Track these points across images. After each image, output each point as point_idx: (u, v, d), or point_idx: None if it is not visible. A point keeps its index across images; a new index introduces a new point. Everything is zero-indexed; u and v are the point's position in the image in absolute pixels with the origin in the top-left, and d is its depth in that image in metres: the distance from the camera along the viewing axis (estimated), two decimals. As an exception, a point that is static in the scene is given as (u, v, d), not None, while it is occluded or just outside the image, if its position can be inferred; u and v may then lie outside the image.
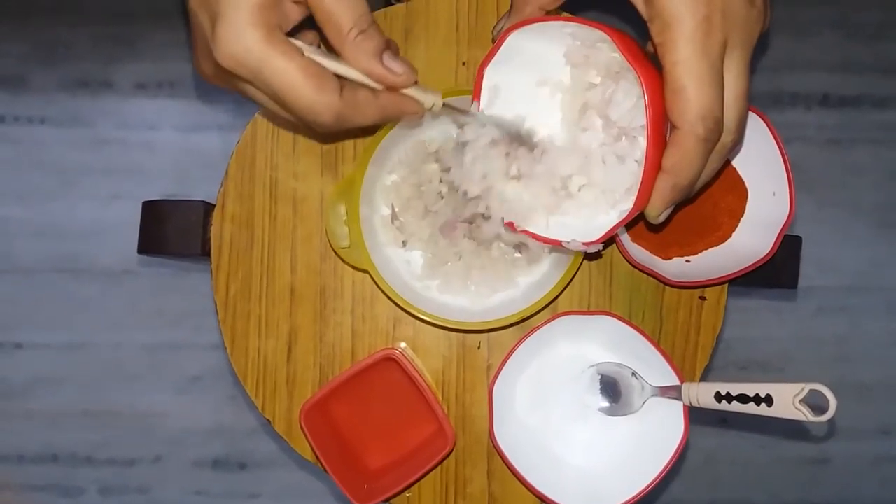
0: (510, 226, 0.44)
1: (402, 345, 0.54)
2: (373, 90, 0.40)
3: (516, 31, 0.41)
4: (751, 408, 0.44)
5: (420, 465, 0.50)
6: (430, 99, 0.42)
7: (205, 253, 0.54)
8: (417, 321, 0.52)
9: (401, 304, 0.48)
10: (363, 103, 0.40)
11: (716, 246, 0.52)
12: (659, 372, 0.49)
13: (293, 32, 0.40)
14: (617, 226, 0.41)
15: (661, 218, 0.41)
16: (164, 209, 0.54)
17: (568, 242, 0.43)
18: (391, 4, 0.54)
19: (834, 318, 1.06)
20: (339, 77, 0.39)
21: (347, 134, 0.54)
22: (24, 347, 1.05)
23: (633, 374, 0.50)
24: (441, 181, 0.51)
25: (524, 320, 0.49)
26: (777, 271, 0.53)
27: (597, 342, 0.52)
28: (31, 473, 1.04)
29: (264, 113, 0.54)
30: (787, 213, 0.48)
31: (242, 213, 0.54)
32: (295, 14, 0.38)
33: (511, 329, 0.52)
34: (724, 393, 0.45)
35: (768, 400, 0.43)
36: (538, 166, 0.44)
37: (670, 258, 0.52)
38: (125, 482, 1.04)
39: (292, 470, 1.04)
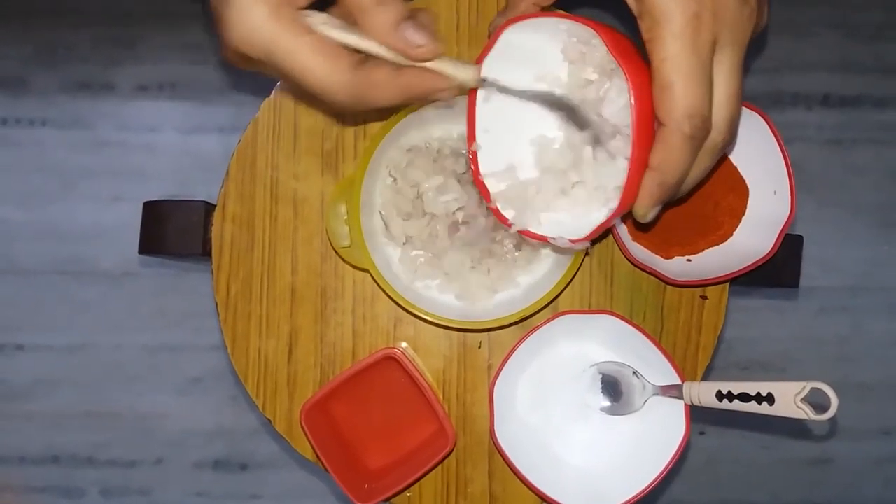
0: (503, 221, 0.45)
1: (403, 344, 0.54)
2: (396, 67, 0.38)
3: (511, 27, 0.41)
4: (752, 406, 0.44)
5: (421, 465, 0.50)
6: (463, 74, 0.39)
7: (205, 253, 0.54)
8: (418, 321, 0.52)
9: (401, 303, 0.48)
10: (382, 82, 0.37)
11: (717, 245, 0.52)
12: (660, 371, 0.49)
13: (320, 7, 0.38)
14: (603, 224, 0.41)
15: (650, 216, 0.40)
16: (164, 209, 0.54)
17: (555, 239, 0.43)
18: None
19: (835, 318, 1.05)
20: (361, 53, 0.37)
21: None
22: (25, 349, 1.05)
23: (635, 373, 0.50)
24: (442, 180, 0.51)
25: (525, 319, 0.49)
26: (778, 270, 0.53)
27: (598, 341, 0.52)
28: (32, 475, 1.04)
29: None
30: (789, 211, 0.48)
31: (243, 213, 0.54)
32: None
33: (512, 328, 0.52)
34: (725, 392, 0.45)
35: (770, 399, 0.43)
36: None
37: (671, 257, 0.52)
38: (126, 483, 1.04)
39: (293, 470, 1.04)
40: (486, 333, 0.54)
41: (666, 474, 0.49)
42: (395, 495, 0.51)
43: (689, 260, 0.52)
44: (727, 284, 0.53)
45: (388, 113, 0.50)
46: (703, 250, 0.52)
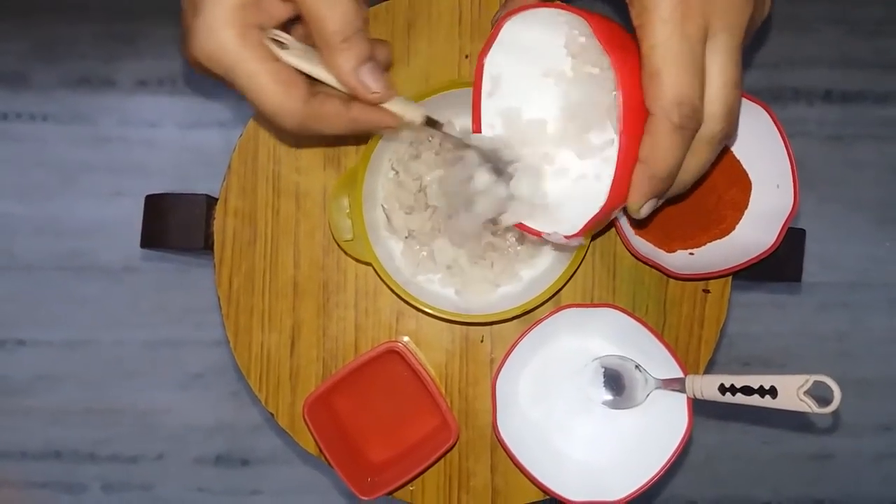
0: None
1: (406, 338, 0.54)
2: (346, 99, 0.40)
3: (513, 18, 0.41)
4: (755, 400, 0.44)
5: (423, 459, 0.50)
6: (410, 114, 0.41)
7: (207, 247, 0.54)
8: (420, 314, 0.52)
9: (404, 296, 0.48)
10: (331, 114, 0.40)
11: (719, 239, 0.52)
12: (662, 364, 0.49)
13: (292, 24, 0.40)
14: (595, 218, 0.39)
15: (644, 212, 0.39)
16: (166, 203, 0.54)
17: (549, 234, 0.42)
18: (394, -2, 0.54)
19: (836, 314, 1.06)
20: (316, 81, 0.39)
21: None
22: (26, 344, 1.05)
23: (637, 366, 0.50)
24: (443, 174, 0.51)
25: (527, 313, 0.49)
26: (781, 264, 0.53)
27: (600, 335, 0.52)
28: (34, 470, 1.04)
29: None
30: (791, 205, 0.48)
31: (245, 207, 0.54)
32: (281, 11, 0.38)
33: (514, 322, 0.52)
34: (728, 385, 0.45)
35: (773, 392, 0.43)
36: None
37: (674, 251, 0.52)
38: (128, 479, 1.04)
39: (295, 465, 1.04)
40: (488, 327, 0.54)
41: (668, 468, 0.49)
42: (397, 489, 0.51)
43: (691, 253, 0.52)
44: (730, 278, 0.53)
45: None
46: (705, 244, 0.52)
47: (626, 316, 0.49)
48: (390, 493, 0.51)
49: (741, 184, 0.51)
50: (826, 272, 1.05)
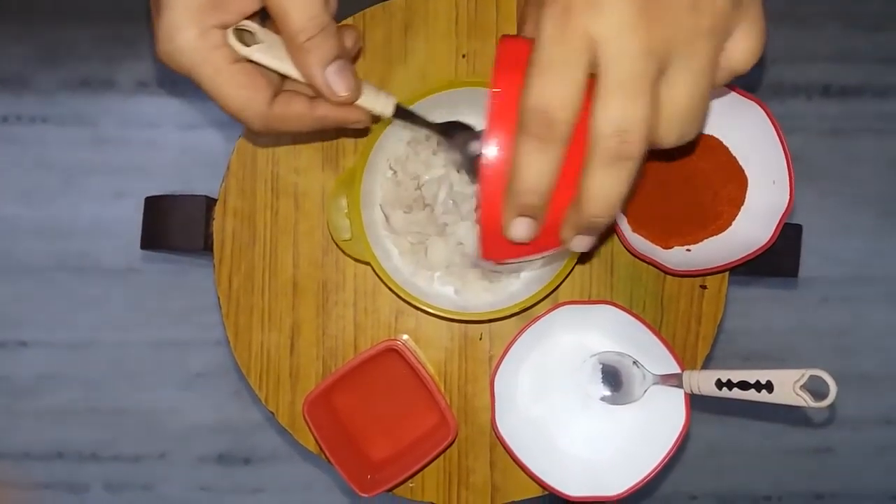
0: None
1: (405, 336, 0.54)
2: (311, 99, 0.40)
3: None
4: (752, 394, 0.44)
5: (423, 456, 0.50)
6: (379, 106, 0.41)
7: (207, 248, 0.54)
8: (419, 312, 0.52)
9: (402, 295, 0.49)
10: (296, 115, 0.39)
11: (716, 235, 0.52)
12: (660, 360, 0.50)
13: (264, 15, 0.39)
14: (480, 239, 0.35)
15: (576, 246, 0.34)
16: (166, 204, 0.55)
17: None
18: (390, -2, 0.54)
19: (836, 308, 1.06)
20: (283, 77, 0.39)
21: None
22: (28, 346, 1.06)
23: (635, 362, 0.51)
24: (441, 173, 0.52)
25: (525, 310, 0.49)
26: (778, 259, 0.53)
27: (598, 331, 0.52)
28: (37, 470, 1.05)
29: None
30: (787, 200, 0.49)
31: (244, 207, 0.54)
32: (246, 6, 0.37)
33: (512, 319, 0.52)
34: (724, 380, 0.45)
35: (769, 386, 0.43)
36: None
37: (671, 247, 0.52)
38: (130, 478, 1.05)
39: (297, 463, 1.05)
40: (486, 325, 0.54)
41: (667, 463, 0.49)
42: (397, 485, 0.51)
43: (688, 250, 0.52)
44: (727, 274, 0.53)
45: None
46: (702, 240, 0.52)
47: (623, 312, 0.49)
48: (390, 490, 0.51)
49: (738, 180, 0.51)
50: (826, 266, 1.06)
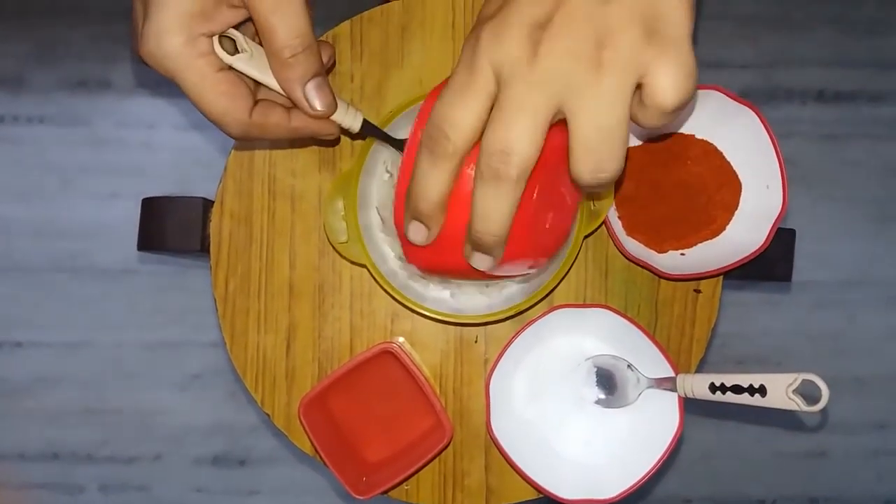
0: None
1: (400, 339, 0.54)
2: (288, 109, 0.42)
3: None
4: (745, 398, 0.44)
5: (418, 458, 0.50)
6: (348, 120, 0.44)
7: (204, 249, 0.54)
8: (415, 315, 0.53)
9: (398, 298, 0.49)
10: (273, 125, 0.41)
11: (710, 239, 0.52)
12: (654, 364, 0.50)
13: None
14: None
15: (409, 237, 0.36)
16: (163, 206, 0.55)
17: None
18: (388, 1, 0.55)
19: (830, 312, 1.06)
20: (259, 84, 0.41)
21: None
22: (24, 346, 1.05)
23: (629, 366, 0.51)
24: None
25: (520, 313, 0.49)
26: (771, 264, 0.54)
27: (593, 335, 0.52)
28: (32, 471, 1.05)
29: None
30: (781, 205, 0.49)
31: (241, 209, 0.54)
32: (232, 17, 0.39)
33: (508, 322, 0.53)
34: (718, 384, 0.46)
35: (762, 390, 0.44)
36: None
37: (665, 251, 0.52)
38: (125, 480, 1.05)
39: (292, 466, 1.05)
40: (482, 328, 0.54)
41: (661, 466, 0.49)
42: (392, 488, 0.51)
43: (682, 254, 0.52)
44: (720, 278, 0.54)
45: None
46: (696, 244, 0.52)
47: (618, 316, 0.50)
48: (385, 493, 0.51)
49: (731, 185, 0.52)
50: (820, 271, 1.06)
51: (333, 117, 0.43)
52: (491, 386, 0.50)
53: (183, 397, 1.05)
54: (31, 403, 1.05)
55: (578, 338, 0.52)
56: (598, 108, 0.30)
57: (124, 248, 1.05)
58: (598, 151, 0.30)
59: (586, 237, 0.53)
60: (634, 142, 0.52)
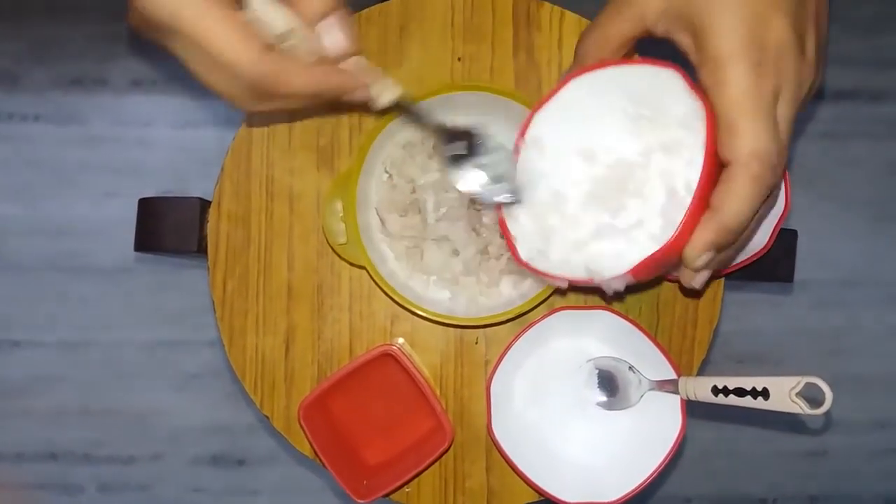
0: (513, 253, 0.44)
1: (400, 340, 0.54)
2: (310, 60, 0.38)
3: (576, 80, 0.42)
4: (748, 401, 0.44)
5: (419, 461, 0.50)
6: (379, 88, 0.40)
7: (201, 250, 0.54)
8: (415, 317, 0.52)
9: (398, 300, 0.48)
10: (293, 68, 0.37)
11: (712, 240, 0.52)
12: (656, 366, 0.50)
13: None
14: (649, 258, 0.38)
15: (700, 263, 0.38)
16: (160, 206, 0.54)
17: (597, 278, 0.40)
18: (386, 0, 0.54)
19: (830, 311, 1.06)
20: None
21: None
22: (21, 346, 1.05)
23: (631, 368, 0.51)
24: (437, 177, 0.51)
25: (522, 315, 0.49)
26: (773, 265, 0.53)
27: (594, 337, 0.52)
28: (30, 471, 1.04)
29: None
30: (783, 207, 0.49)
31: (239, 210, 0.54)
32: None
33: (509, 324, 0.52)
34: (720, 387, 0.45)
35: (765, 393, 0.43)
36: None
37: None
38: (124, 480, 1.04)
39: (292, 466, 1.04)
40: (482, 329, 0.54)
41: (662, 469, 0.49)
42: (393, 491, 0.51)
43: (684, 255, 0.52)
44: (722, 279, 0.53)
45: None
46: (698, 245, 0.52)
47: (619, 318, 0.49)
48: (386, 496, 0.51)
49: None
50: (820, 270, 1.06)
51: (364, 76, 0.39)
52: (492, 388, 0.50)
53: (181, 397, 1.05)
54: (28, 403, 1.05)
55: (580, 340, 0.52)
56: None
57: (121, 248, 1.04)
58: None
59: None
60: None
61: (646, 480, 0.49)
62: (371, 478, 0.51)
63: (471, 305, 0.51)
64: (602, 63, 0.42)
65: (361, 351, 0.53)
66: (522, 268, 0.44)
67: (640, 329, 0.49)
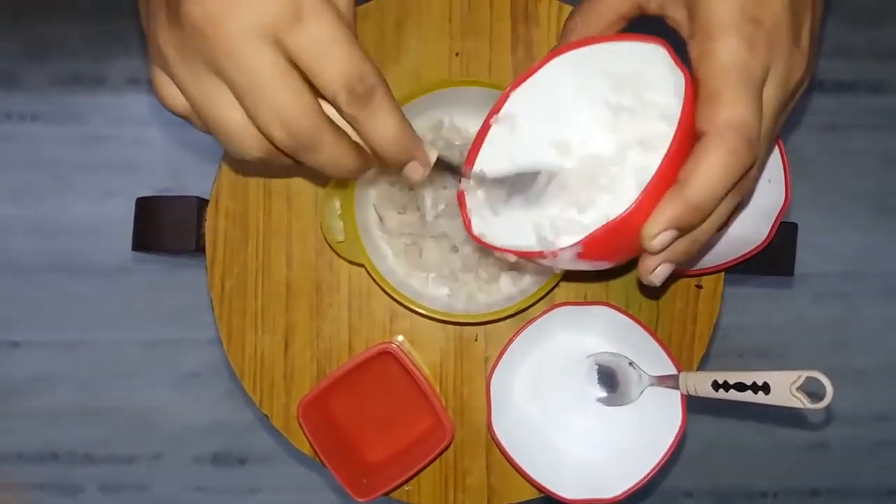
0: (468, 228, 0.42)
1: (400, 338, 0.54)
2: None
3: (559, 57, 0.40)
4: (748, 396, 0.44)
5: (419, 459, 0.50)
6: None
7: (199, 249, 0.54)
8: (414, 314, 0.52)
9: (397, 297, 0.48)
10: (341, 136, 0.33)
11: (712, 234, 0.52)
12: (656, 361, 0.49)
13: None
14: (602, 231, 0.34)
15: (657, 245, 0.33)
16: (157, 205, 0.54)
17: (543, 249, 0.37)
18: (383, -4, 0.54)
19: (831, 304, 1.06)
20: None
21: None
22: (20, 346, 1.05)
23: (631, 363, 0.50)
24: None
25: (521, 311, 0.49)
26: (774, 258, 0.53)
27: (594, 332, 0.52)
28: (31, 472, 1.04)
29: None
30: (783, 200, 0.48)
31: (236, 208, 0.54)
32: None
33: (508, 321, 0.52)
34: (721, 382, 0.45)
35: (765, 388, 0.43)
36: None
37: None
38: (125, 479, 1.05)
39: (292, 464, 1.04)
40: (482, 326, 0.53)
41: (663, 464, 0.49)
42: (393, 489, 0.51)
43: (684, 250, 0.52)
44: (722, 273, 0.53)
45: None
46: (698, 240, 0.52)
47: (619, 313, 0.49)
48: (386, 494, 0.51)
49: (733, 179, 0.51)
50: (821, 262, 1.06)
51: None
52: (492, 385, 0.50)
53: (181, 396, 1.05)
54: (28, 403, 1.05)
55: (580, 336, 0.52)
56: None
57: (119, 246, 1.03)
58: None
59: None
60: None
61: (647, 476, 0.49)
62: (371, 476, 0.50)
63: (470, 302, 0.51)
64: (587, 40, 0.39)
65: (361, 349, 0.53)
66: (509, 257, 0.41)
67: (640, 324, 0.49)
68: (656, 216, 0.33)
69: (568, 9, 0.54)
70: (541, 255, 0.36)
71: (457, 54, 0.54)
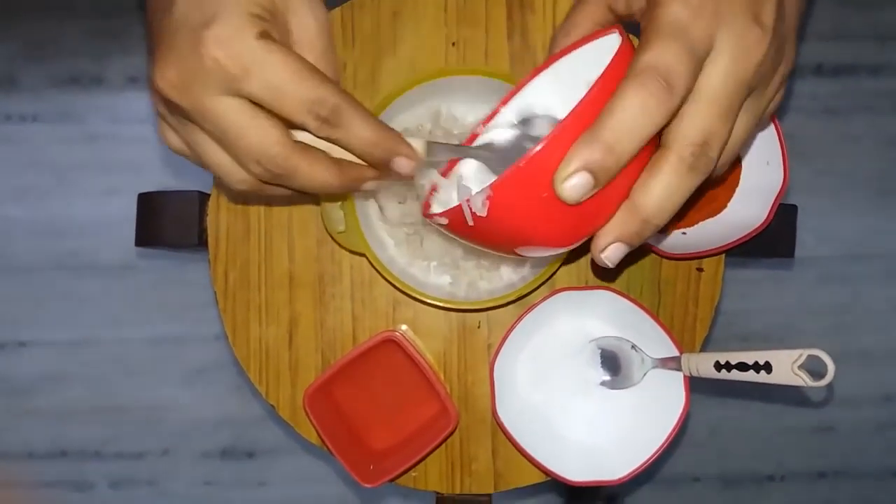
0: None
1: (403, 327, 0.54)
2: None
3: (541, 74, 0.42)
4: (750, 375, 0.44)
5: (425, 445, 0.50)
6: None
7: (202, 243, 0.54)
8: (417, 303, 0.52)
9: (399, 286, 0.48)
10: (320, 160, 0.36)
11: (712, 217, 0.52)
12: (658, 344, 0.50)
13: None
14: (512, 174, 0.32)
15: (569, 186, 0.32)
16: (159, 201, 0.55)
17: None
18: (378, -14, 0.54)
19: (834, 286, 1.06)
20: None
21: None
22: (27, 345, 1.05)
23: (633, 346, 0.51)
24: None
25: (522, 298, 0.49)
26: (774, 240, 0.53)
27: (596, 317, 0.52)
28: (41, 470, 1.05)
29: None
30: (782, 181, 0.49)
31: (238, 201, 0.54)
32: None
33: (510, 307, 0.52)
34: (723, 362, 0.45)
35: (767, 367, 0.44)
36: None
37: (667, 231, 0.52)
38: (135, 475, 1.05)
39: (300, 456, 1.05)
40: (484, 313, 0.54)
41: (668, 446, 0.49)
42: (400, 475, 0.51)
43: (684, 233, 0.52)
44: (723, 256, 0.53)
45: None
46: (698, 223, 0.52)
47: (621, 297, 0.49)
48: (393, 480, 0.51)
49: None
50: (823, 245, 1.06)
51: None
52: (495, 371, 0.50)
53: (188, 391, 1.05)
54: (37, 402, 1.05)
55: (581, 320, 0.52)
56: (760, 110, 0.38)
57: (123, 244, 1.04)
58: (739, 149, 0.39)
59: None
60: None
61: (651, 458, 0.49)
62: (377, 463, 0.51)
63: (472, 289, 0.51)
64: (561, 52, 0.41)
65: (364, 338, 0.54)
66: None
67: (642, 308, 0.49)
68: (567, 157, 0.31)
69: (563, -5, 0.54)
70: (458, 209, 0.35)
71: (453, 43, 0.54)
